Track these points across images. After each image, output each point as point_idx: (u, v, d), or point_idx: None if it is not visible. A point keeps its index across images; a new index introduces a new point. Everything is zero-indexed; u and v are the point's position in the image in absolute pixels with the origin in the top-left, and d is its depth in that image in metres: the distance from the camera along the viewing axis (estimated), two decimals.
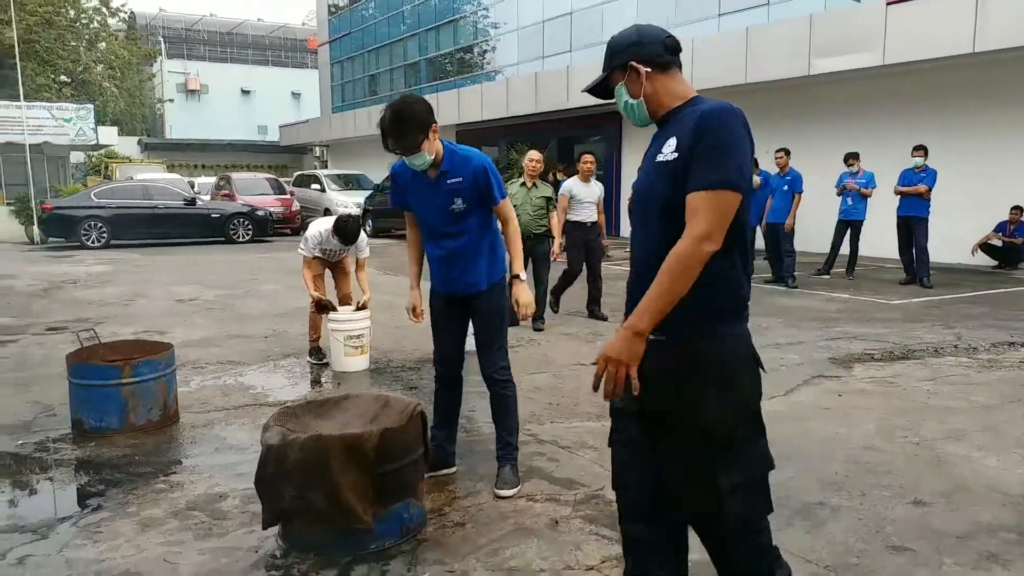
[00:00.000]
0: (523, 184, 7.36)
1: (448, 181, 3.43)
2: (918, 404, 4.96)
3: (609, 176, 20.69)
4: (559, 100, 19.51)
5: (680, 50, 2.09)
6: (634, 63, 2.02)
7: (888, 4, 12.44)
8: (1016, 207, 11.70)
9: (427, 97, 26.03)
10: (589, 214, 7.88)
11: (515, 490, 3.56)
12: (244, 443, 4.25)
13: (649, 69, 2.02)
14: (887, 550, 3.00)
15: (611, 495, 3.53)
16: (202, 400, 5.12)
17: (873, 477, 3.73)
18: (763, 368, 2.06)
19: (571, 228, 7.86)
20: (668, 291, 1.82)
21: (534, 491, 3.59)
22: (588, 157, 7.96)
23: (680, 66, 2.08)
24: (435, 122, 3.33)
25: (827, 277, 11.10)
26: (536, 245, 7.27)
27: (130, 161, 33.29)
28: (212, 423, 4.64)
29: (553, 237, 7.49)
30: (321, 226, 5.99)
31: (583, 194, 7.85)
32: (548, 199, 7.45)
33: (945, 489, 3.58)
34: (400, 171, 3.60)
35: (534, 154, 7.37)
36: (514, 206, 5.53)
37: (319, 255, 6.11)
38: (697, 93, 2.04)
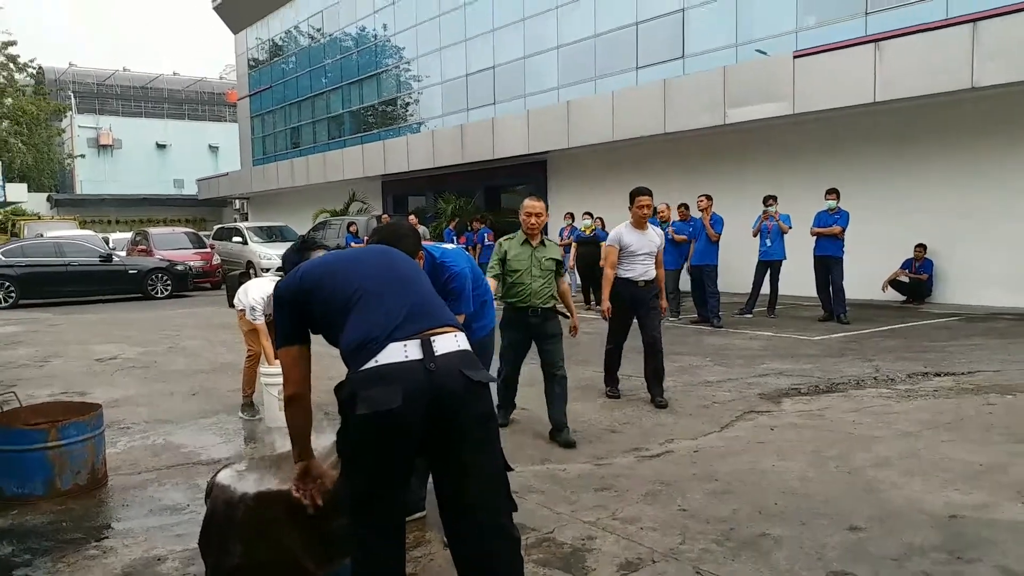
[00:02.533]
0: (526, 242, 5.32)
1: None
2: (845, 435, 5.15)
3: None
4: (485, 150, 19.82)
5: None
6: None
7: (795, 56, 13.19)
8: (920, 245, 12.40)
9: (351, 149, 26.06)
10: (644, 270, 6.15)
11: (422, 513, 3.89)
12: (180, 503, 4.10)
13: None
14: None
15: (562, 537, 3.57)
16: (131, 461, 4.92)
17: (810, 506, 3.86)
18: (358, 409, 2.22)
19: (620, 286, 6.20)
20: None
21: None
22: (644, 199, 6.13)
23: None
24: (421, 250, 3.32)
25: (750, 316, 11.48)
26: (544, 322, 5.30)
27: (39, 218, 32.06)
28: (144, 484, 4.46)
29: (562, 313, 5.48)
30: (263, 288, 5.78)
31: (637, 244, 6.15)
32: (559, 263, 5.41)
33: (878, 514, 3.73)
34: None
35: (532, 205, 5.20)
36: (515, 271, 5.21)
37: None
38: None
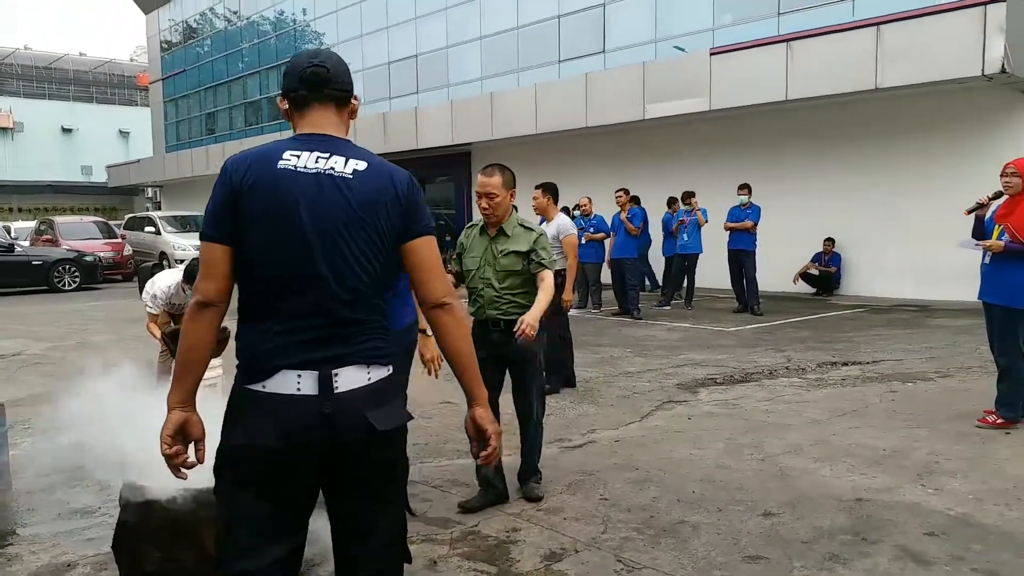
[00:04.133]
0: (483, 231, 4.03)
1: None
2: (759, 423, 5.35)
3: (460, 216, 21.01)
4: (408, 140, 19.64)
5: (319, 81, 1.93)
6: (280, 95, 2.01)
7: (712, 54, 13.52)
8: (829, 239, 12.94)
9: (271, 135, 25.42)
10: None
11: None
12: (91, 506, 3.96)
13: (286, 105, 1.99)
14: (744, 560, 3.23)
15: (487, 530, 3.60)
16: (37, 463, 4.70)
17: (727, 493, 4.00)
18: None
19: None
20: None
21: (410, 533, 3.56)
22: (535, 192, 6.35)
23: (320, 101, 1.95)
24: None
25: (668, 308, 11.75)
26: (504, 339, 3.85)
27: None
28: (51, 487, 4.28)
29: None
30: (169, 279, 5.59)
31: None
32: (528, 254, 3.88)
33: (789, 500, 3.89)
34: None
35: (482, 181, 3.91)
36: (468, 271, 3.98)
37: (167, 310, 5.77)
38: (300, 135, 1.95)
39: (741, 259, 11.14)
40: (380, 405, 1.87)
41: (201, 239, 1.87)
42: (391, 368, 1.94)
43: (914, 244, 12.18)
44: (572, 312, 11.54)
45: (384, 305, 1.97)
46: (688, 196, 11.68)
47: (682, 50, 14.99)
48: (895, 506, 3.77)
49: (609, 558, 3.27)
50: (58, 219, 21.04)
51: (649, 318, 10.84)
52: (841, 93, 12.10)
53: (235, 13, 29.71)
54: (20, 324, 11.21)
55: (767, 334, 9.29)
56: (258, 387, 1.81)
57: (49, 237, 19.47)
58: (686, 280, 11.98)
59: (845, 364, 7.31)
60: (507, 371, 4.04)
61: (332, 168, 1.84)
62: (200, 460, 1.91)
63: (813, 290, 13.26)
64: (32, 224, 23.12)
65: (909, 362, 7.30)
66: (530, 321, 3.64)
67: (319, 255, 1.81)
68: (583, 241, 11.41)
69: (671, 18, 15.76)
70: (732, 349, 8.29)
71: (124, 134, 48.67)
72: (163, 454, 1.85)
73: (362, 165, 1.88)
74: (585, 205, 11.82)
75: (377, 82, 23.06)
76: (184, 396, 1.87)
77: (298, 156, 1.84)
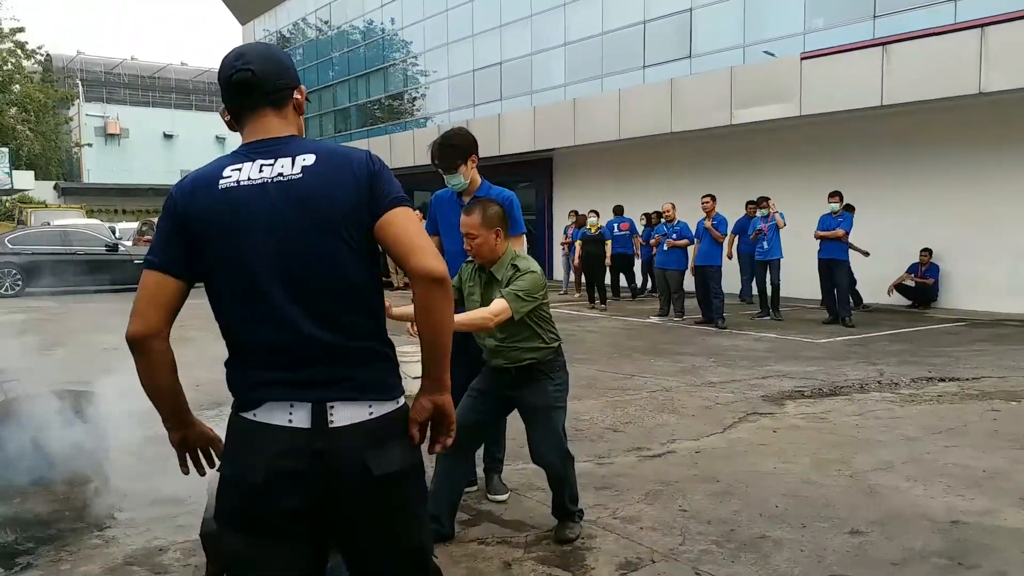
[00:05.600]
0: (479, 269, 3.45)
1: None
2: (848, 438, 5.15)
3: (541, 221, 21.05)
4: (491, 146, 19.79)
5: (245, 87, 1.72)
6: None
7: (802, 58, 13.15)
8: (925, 249, 12.38)
9: (358, 143, 26.08)
10: None
11: (506, 496, 4.03)
12: (182, 494, 4.11)
13: (227, 116, 1.82)
14: None
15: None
16: (134, 451, 4.93)
17: (812, 509, 3.85)
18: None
19: None
20: None
21: (485, 535, 3.58)
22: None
23: (253, 108, 1.77)
24: (476, 154, 3.81)
25: (768, 318, 11.32)
26: (520, 388, 3.42)
27: (46, 206, 32.13)
28: (146, 475, 4.46)
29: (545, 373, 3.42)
30: None
31: None
32: (516, 296, 3.16)
33: (879, 518, 3.72)
34: (438, 197, 4.01)
35: (466, 219, 3.31)
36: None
37: None
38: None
39: (832, 268, 10.77)
40: (381, 444, 1.65)
41: (144, 267, 1.71)
42: (400, 403, 1.72)
43: (1018, 256, 11.55)
44: (654, 319, 11.47)
45: (379, 323, 1.74)
46: (763, 200, 11.34)
47: (772, 55, 14.64)
48: (994, 530, 3.56)
49: (686, 570, 3.20)
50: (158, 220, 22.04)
51: (734, 327, 10.59)
52: (941, 98, 11.57)
53: (326, 23, 30.59)
54: (122, 320, 11.77)
55: (859, 346, 8.94)
56: (249, 415, 1.66)
57: (150, 237, 20.40)
58: (769, 288, 11.60)
59: (942, 380, 6.97)
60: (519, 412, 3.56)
61: (280, 173, 1.63)
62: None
63: (909, 302, 12.71)
64: (135, 225, 24.29)
65: (1013, 379, 6.91)
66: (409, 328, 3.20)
67: (281, 276, 1.62)
68: (666, 248, 11.32)
69: (760, 23, 15.39)
70: (821, 361, 8.02)
71: (220, 140, 50.74)
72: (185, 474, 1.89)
73: (310, 159, 1.64)
74: (668, 211, 11.67)
75: (462, 89, 23.35)
76: (168, 418, 1.81)
77: (239, 169, 1.66)
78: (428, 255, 1.62)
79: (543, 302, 3.34)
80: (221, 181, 1.65)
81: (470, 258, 3.45)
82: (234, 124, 1.77)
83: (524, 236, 3.88)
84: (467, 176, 3.77)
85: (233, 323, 1.70)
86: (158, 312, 1.69)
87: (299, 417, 1.61)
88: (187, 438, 1.83)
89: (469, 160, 3.76)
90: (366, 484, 1.62)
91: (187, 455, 1.88)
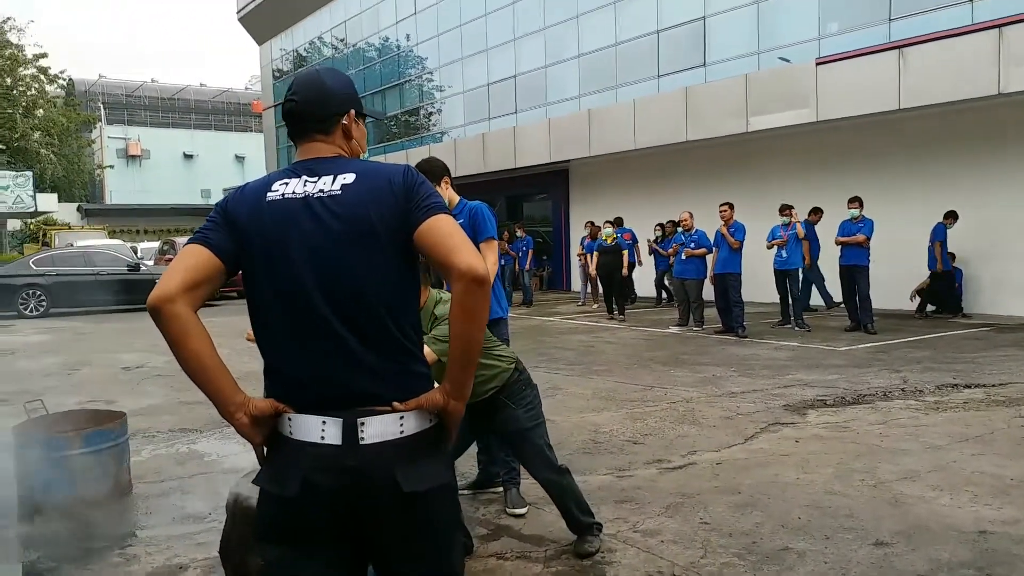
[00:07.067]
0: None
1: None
2: (872, 447, 5.08)
3: (558, 233, 21.05)
4: (506, 159, 19.87)
5: (292, 118, 1.82)
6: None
7: (817, 64, 13.09)
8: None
9: (375, 157, 26.28)
10: None
11: (524, 509, 4.02)
12: (202, 512, 4.14)
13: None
14: None
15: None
16: (156, 469, 4.97)
17: (835, 520, 3.80)
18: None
19: None
20: None
21: (504, 549, 3.56)
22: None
23: (301, 136, 1.84)
24: (448, 176, 4.00)
25: (790, 327, 11.17)
26: (492, 415, 3.44)
27: (69, 227, 32.59)
28: (167, 492, 4.50)
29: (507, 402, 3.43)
30: None
31: None
32: (435, 340, 2.99)
33: (904, 529, 3.66)
34: None
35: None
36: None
37: None
38: None
39: (853, 274, 10.65)
40: (412, 462, 1.64)
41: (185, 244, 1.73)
42: (433, 421, 1.70)
43: None
44: (673, 329, 11.42)
45: (416, 341, 1.74)
46: (786, 208, 11.26)
47: (787, 61, 14.58)
48: (1023, 540, 3.49)
49: None
50: (179, 240, 22.33)
51: (755, 336, 10.50)
52: (959, 100, 11.46)
53: (342, 40, 30.88)
54: (144, 339, 11.90)
55: (882, 353, 8.83)
56: (286, 431, 1.67)
57: (171, 256, 20.65)
58: (790, 297, 11.48)
59: (968, 387, 6.86)
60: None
61: (321, 189, 1.68)
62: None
63: (932, 308, 12.53)
64: (156, 244, 24.58)
65: None
66: None
67: (319, 289, 1.63)
68: (684, 257, 11.28)
69: (774, 29, 15.33)
70: (843, 369, 7.92)
71: (240, 159, 51.41)
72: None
73: (350, 177, 1.69)
74: (686, 220, 11.64)
75: (477, 103, 23.45)
76: (219, 400, 1.66)
77: (286, 184, 1.71)
78: (472, 254, 1.60)
79: None
80: (269, 194, 1.70)
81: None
82: (296, 145, 1.86)
83: (495, 241, 4.03)
84: (444, 195, 3.94)
85: (270, 335, 1.71)
86: (182, 276, 1.64)
87: (331, 433, 1.61)
88: (253, 416, 1.67)
89: (443, 181, 3.94)
90: (396, 501, 1.61)
91: (262, 444, 1.72)
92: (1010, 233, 11.79)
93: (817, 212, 12.52)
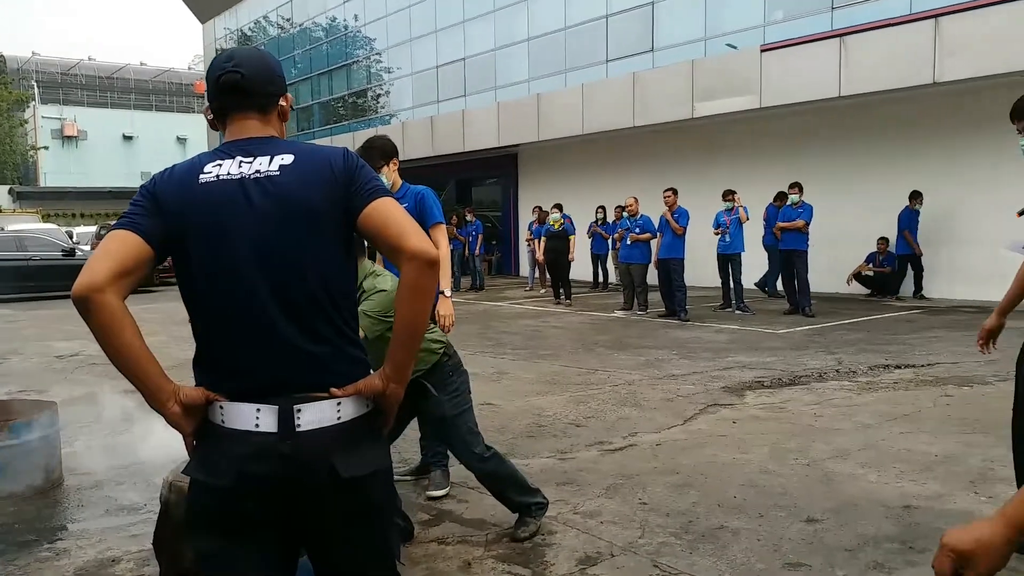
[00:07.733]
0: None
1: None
2: (806, 427, 5.22)
3: (507, 218, 21.04)
4: (455, 143, 19.76)
5: (235, 90, 1.70)
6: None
7: (763, 51, 13.29)
8: (882, 238, 12.56)
9: (321, 140, 25.89)
10: None
11: (444, 491, 4.03)
12: (137, 503, 4.05)
13: (211, 115, 1.82)
14: (785, 567, 3.14)
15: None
16: (88, 460, 4.84)
17: (769, 499, 3.90)
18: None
19: None
20: None
21: (445, 534, 3.57)
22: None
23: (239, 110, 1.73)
24: (396, 158, 3.95)
25: (731, 311, 11.39)
26: (420, 402, 3.33)
27: (0, 211, 31.41)
28: (100, 484, 4.39)
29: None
30: None
31: None
32: (363, 314, 2.93)
33: (834, 506, 3.78)
34: None
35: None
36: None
37: None
38: None
39: (792, 259, 10.91)
40: (350, 447, 1.61)
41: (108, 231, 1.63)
42: (370, 405, 1.67)
43: (976, 244, 11.76)
44: (618, 313, 11.55)
45: (354, 326, 1.70)
46: (729, 194, 11.45)
47: (734, 47, 14.76)
48: (945, 514, 3.63)
49: (645, 563, 3.22)
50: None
51: (696, 319, 10.68)
52: (898, 88, 11.77)
53: (288, 20, 30.25)
54: (78, 326, 11.52)
55: (818, 336, 9.07)
56: (218, 420, 1.62)
57: None
58: (732, 281, 11.69)
59: (898, 367, 7.10)
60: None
61: (257, 170, 1.61)
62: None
63: (867, 291, 12.91)
64: (93, 229, 23.87)
65: (966, 365, 7.05)
66: None
67: (256, 271, 1.58)
68: (628, 242, 11.39)
69: (721, 15, 15.51)
70: (781, 351, 8.12)
71: (181, 140, 50.06)
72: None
73: (288, 158, 1.63)
74: (631, 205, 11.74)
75: (426, 86, 23.23)
76: (148, 391, 1.59)
77: (220, 165, 1.64)
78: (422, 237, 1.59)
79: None
80: (202, 175, 1.63)
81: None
82: (217, 123, 1.76)
83: (443, 226, 4.07)
84: (389, 177, 3.92)
85: (204, 320, 1.65)
86: (110, 264, 1.56)
87: (266, 421, 1.57)
88: (184, 405, 1.61)
89: (391, 162, 3.92)
90: (334, 487, 1.59)
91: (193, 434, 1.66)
92: (942, 219, 12.17)
93: (782, 197, 12.60)
